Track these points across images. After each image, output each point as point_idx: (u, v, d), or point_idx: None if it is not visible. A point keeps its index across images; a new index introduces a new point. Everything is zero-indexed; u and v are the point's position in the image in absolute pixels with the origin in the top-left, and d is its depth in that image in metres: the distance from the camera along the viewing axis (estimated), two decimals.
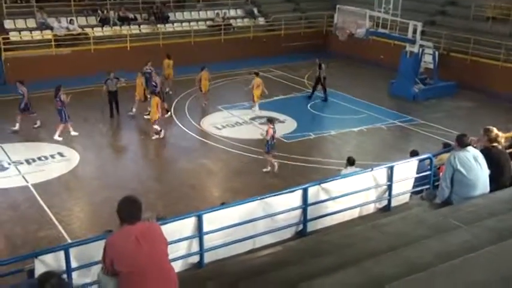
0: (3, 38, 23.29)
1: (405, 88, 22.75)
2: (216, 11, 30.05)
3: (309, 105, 21.84)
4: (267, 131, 15.06)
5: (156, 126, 17.64)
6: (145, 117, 18.83)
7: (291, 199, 7.91)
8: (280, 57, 27.60)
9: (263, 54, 27.95)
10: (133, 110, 19.71)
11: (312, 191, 8.01)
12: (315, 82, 22.61)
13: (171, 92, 22.46)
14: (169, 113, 19.83)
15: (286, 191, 7.94)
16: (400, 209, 8.73)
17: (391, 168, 8.67)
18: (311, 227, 8.16)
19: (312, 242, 7.59)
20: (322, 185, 8.19)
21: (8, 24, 24.62)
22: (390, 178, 8.69)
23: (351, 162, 11.59)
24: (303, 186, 7.91)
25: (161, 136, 17.68)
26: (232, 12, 31.15)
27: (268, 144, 15.13)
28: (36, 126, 18.10)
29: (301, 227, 8.10)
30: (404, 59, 23.19)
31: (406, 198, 9.16)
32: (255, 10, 31.70)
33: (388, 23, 23.60)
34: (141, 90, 19.58)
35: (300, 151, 16.96)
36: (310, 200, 7.96)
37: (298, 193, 7.94)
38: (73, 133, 17.54)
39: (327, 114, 20.86)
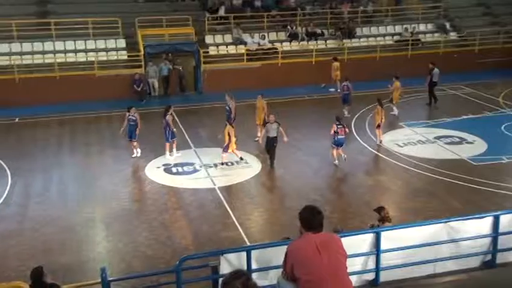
0: (204, 52, 25.59)
1: None
2: (404, 26, 29.31)
3: (503, 126, 20.01)
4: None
5: (224, 155, 16.71)
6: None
7: (480, 226, 7.33)
8: (472, 74, 25.90)
9: (453, 71, 26.41)
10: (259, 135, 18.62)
11: (505, 219, 7.32)
12: (429, 88, 22.98)
13: (338, 91, 23.52)
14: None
15: (475, 216, 7.37)
16: None
17: None
18: (501, 258, 7.45)
19: (503, 275, 6.92)
20: None
21: (208, 39, 27.01)
22: None
23: None
24: (495, 213, 7.28)
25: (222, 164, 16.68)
26: (421, 27, 30.11)
27: (334, 139, 16.46)
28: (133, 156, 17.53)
29: (489, 256, 7.44)
30: None
31: None
32: (447, 24, 30.18)
33: None
34: (262, 114, 18.57)
35: (490, 175, 15.61)
36: (502, 228, 7.27)
37: (488, 220, 7.33)
38: (168, 156, 17.23)
39: None
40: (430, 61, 23.55)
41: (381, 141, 18.54)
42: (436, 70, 22.79)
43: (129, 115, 17.39)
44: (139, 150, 17.62)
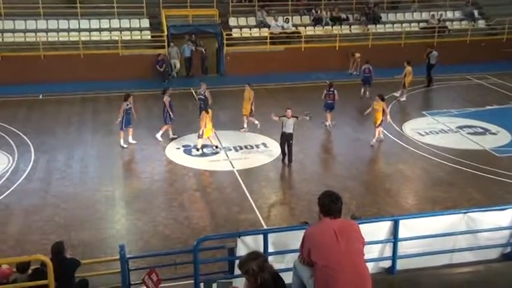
0: (227, 34, 25.50)
1: None
2: (431, 13, 28.79)
3: None
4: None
5: (199, 141, 16.38)
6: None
7: (500, 218, 7.24)
8: (499, 64, 25.37)
9: (479, 60, 25.99)
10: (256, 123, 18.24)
11: None
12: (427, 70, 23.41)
13: (355, 72, 25.07)
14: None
15: (495, 208, 7.29)
16: None
17: None
18: None
19: None
20: None
21: (231, 21, 26.90)
22: None
23: None
24: None
25: (199, 152, 16.42)
26: (449, 14, 29.55)
27: (324, 103, 18.36)
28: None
29: (509, 249, 7.36)
30: None
31: None
32: (476, 12, 29.56)
33: None
34: (248, 105, 18.07)
35: None
36: None
37: (509, 212, 7.23)
38: (172, 136, 17.38)
39: None
40: (427, 44, 24.56)
41: (380, 140, 17.36)
42: (434, 53, 23.22)
43: (127, 104, 16.66)
44: (130, 139, 17.08)
